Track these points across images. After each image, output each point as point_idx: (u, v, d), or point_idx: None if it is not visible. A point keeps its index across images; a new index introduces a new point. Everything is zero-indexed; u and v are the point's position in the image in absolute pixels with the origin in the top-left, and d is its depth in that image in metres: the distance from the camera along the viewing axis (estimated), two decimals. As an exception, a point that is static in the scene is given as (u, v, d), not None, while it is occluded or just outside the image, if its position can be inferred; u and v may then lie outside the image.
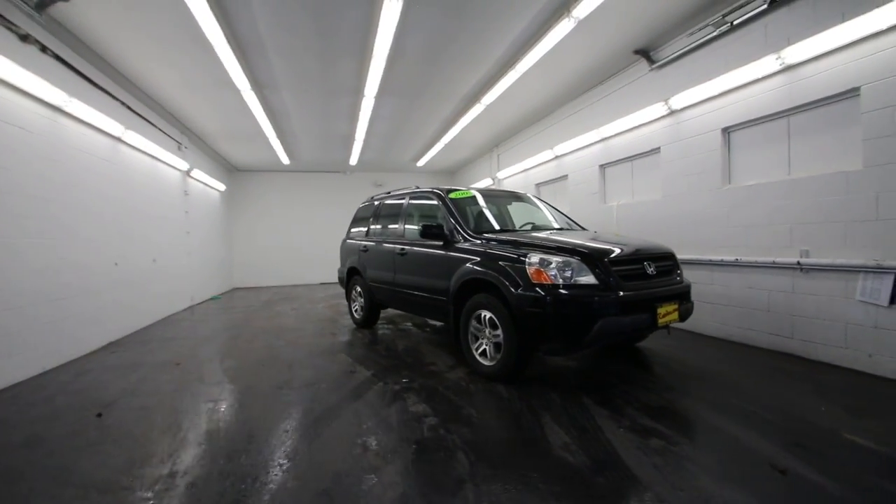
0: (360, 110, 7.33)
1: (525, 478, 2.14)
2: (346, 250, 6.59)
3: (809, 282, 3.95)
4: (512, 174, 9.88)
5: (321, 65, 5.66)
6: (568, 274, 3.20)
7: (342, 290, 10.07)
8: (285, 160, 11.06)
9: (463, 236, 4.08)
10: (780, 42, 4.07)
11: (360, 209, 6.62)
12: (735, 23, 4.43)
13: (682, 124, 5.29)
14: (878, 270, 3.41)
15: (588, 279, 3.19)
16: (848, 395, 3.12)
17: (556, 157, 8.02)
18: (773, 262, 4.18)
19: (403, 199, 5.31)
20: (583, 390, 3.35)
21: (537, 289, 3.20)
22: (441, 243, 4.24)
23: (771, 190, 4.29)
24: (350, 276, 6.31)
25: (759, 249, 4.38)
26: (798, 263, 3.97)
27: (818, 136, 3.92)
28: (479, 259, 3.75)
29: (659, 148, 5.66)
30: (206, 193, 10.17)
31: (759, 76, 4.28)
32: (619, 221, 6.41)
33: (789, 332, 4.13)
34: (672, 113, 5.38)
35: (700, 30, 4.77)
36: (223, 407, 3.20)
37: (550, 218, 4.91)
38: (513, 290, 3.32)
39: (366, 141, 9.37)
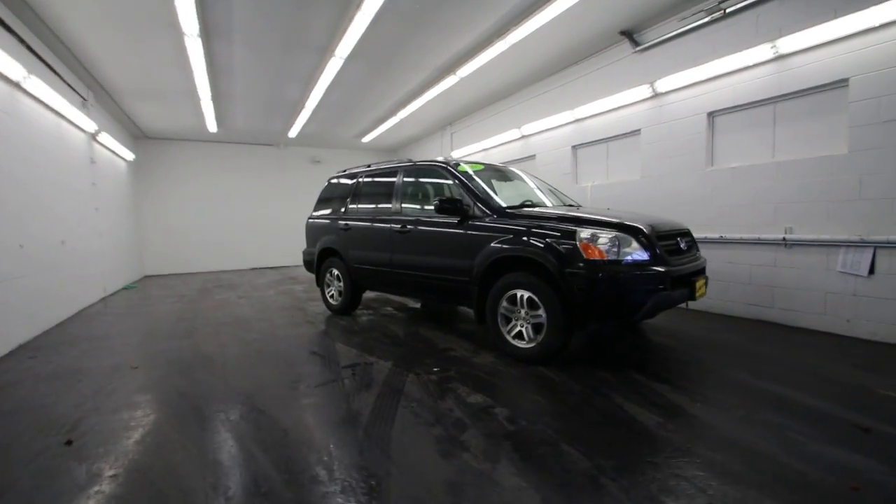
0: (322, 73, 6.54)
1: (663, 466, 2.00)
2: (315, 230, 5.90)
3: (792, 256, 4.35)
4: (469, 154, 9.67)
5: (294, 13, 4.87)
6: (621, 249, 3.11)
7: (285, 276, 9.21)
8: (212, 127, 9.63)
9: (483, 212, 3.79)
10: (772, 33, 4.33)
11: (330, 186, 5.95)
12: (728, 10, 4.63)
13: (665, 107, 5.49)
14: (860, 244, 3.84)
15: (639, 254, 3.13)
16: (848, 356, 3.47)
17: (524, 137, 7.98)
18: (759, 239, 4.54)
19: (396, 173, 4.83)
20: (627, 367, 3.32)
21: (590, 265, 3.07)
22: (457, 220, 3.91)
23: (756, 172, 4.62)
24: (323, 259, 5.67)
25: (743, 227, 4.72)
26: (784, 239, 4.34)
27: (804, 123, 4.27)
28: (511, 236, 3.50)
29: (639, 130, 5.84)
30: (114, 163, 8.50)
31: (749, 64, 4.53)
32: (593, 202, 6.56)
33: (769, 302, 4.53)
34: (655, 96, 5.56)
35: (693, 14, 4.94)
36: (246, 421, 2.60)
37: (541, 194, 4.71)
38: (561, 267, 3.15)
39: (315, 111, 8.48)
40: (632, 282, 3.03)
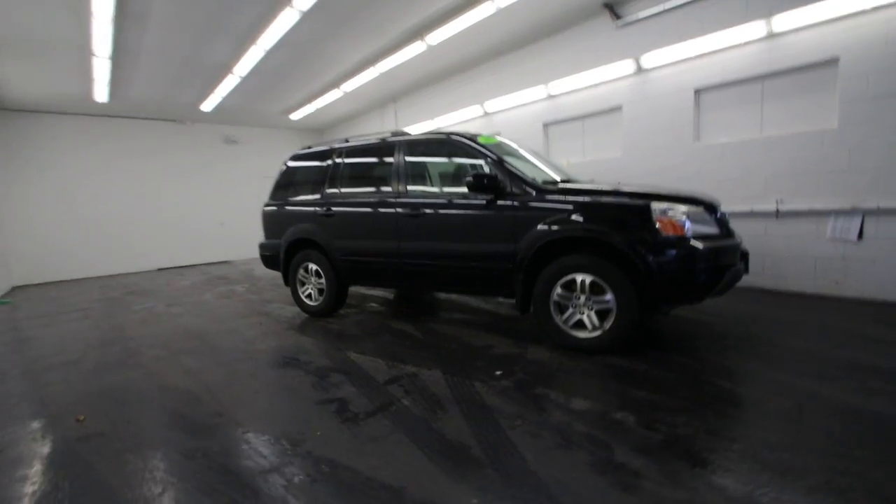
0: (268, 28, 5.43)
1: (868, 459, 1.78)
2: (277, 219, 4.91)
3: (782, 226, 4.60)
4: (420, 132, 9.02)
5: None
6: (700, 225, 2.90)
7: (211, 276, 7.93)
8: (101, 96, 7.66)
9: (523, 190, 3.34)
10: (761, 11, 4.45)
11: (292, 168, 4.99)
12: (719, -15, 4.68)
13: (649, 83, 5.48)
14: (850, 212, 4.14)
15: (711, 228, 2.95)
16: (863, 315, 3.71)
17: (487, 114, 7.59)
18: (751, 211, 4.74)
19: (392, 150, 4.10)
20: (702, 350, 3.15)
21: (669, 241, 2.81)
22: (487, 199, 3.40)
23: (745, 147, 4.79)
24: (293, 252, 4.73)
25: (733, 200, 4.88)
26: (776, 210, 4.56)
27: (794, 99, 4.48)
28: (563, 215, 3.10)
29: (621, 106, 5.80)
30: (-42, 139, 6.33)
31: (739, 42, 4.64)
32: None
33: (760, 269, 4.77)
34: (640, 72, 5.53)
35: (683, -12, 4.92)
36: (324, 482, 1.87)
37: (549, 169, 4.36)
38: (636, 246, 2.84)
39: (246, 79, 7.16)
40: (712, 257, 2.84)
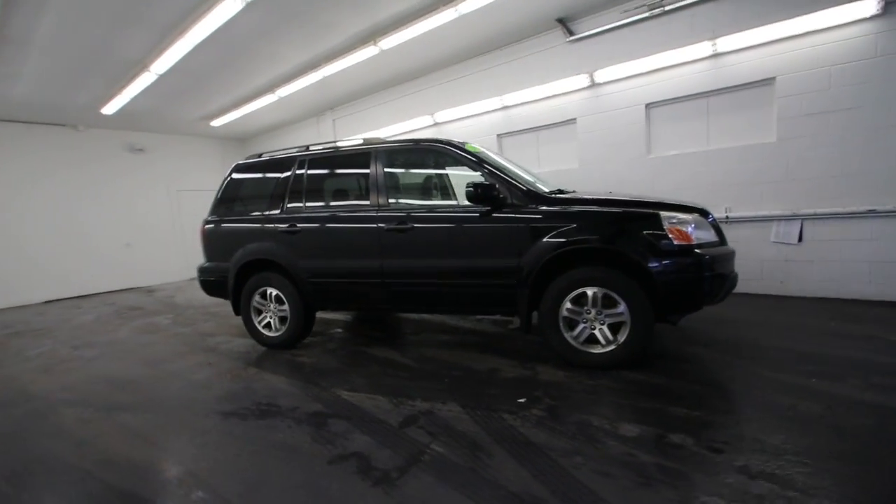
0: (201, 20, 4.71)
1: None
2: (224, 238, 4.23)
3: (731, 231, 4.93)
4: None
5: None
6: (702, 232, 2.93)
7: (119, 306, 6.92)
8: (-35, 93, 6.18)
9: (522, 200, 3.16)
10: (706, 34, 4.81)
11: (238, 180, 4.35)
12: (667, 8, 4.99)
13: (602, 97, 5.68)
14: (791, 218, 4.57)
15: (711, 236, 3.00)
16: (818, 313, 4.06)
17: (437, 124, 7.40)
18: (704, 218, 5.05)
19: (367, 158, 3.70)
20: (701, 357, 3.17)
21: (682, 250, 2.80)
22: (484, 210, 3.18)
23: (693, 158, 5.13)
24: (245, 276, 4.08)
25: (686, 209, 5.20)
26: (726, 217, 4.91)
27: (736, 115, 4.88)
28: (573, 226, 2.97)
29: (575, 119, 5.94)
30: None
31: (686, 60, 4.97)
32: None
33: (713, 274, 5.10)
34: (593, 86, 5.71)
35: (635, 8, 5.17)
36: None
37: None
38: (649, 256, 2.80)
39: (164, 77, 6.20)
40: (719, 264, 2.88)
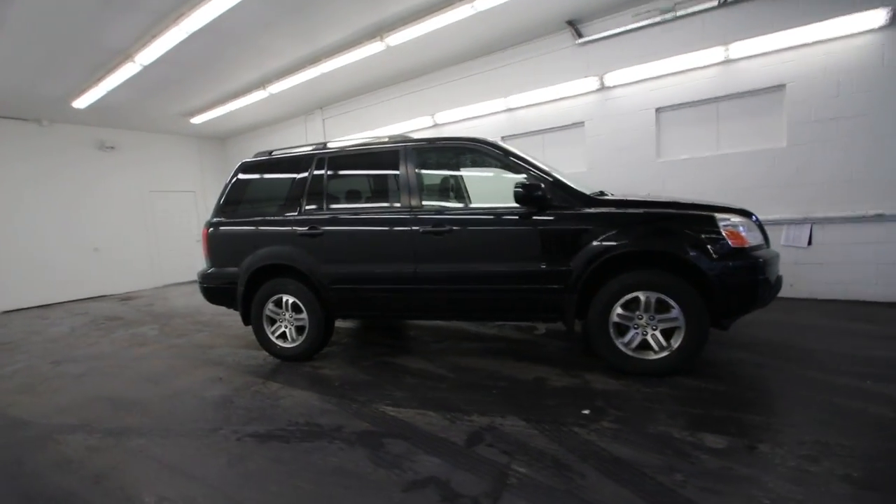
0: (201, 4, 4.37)
1: None
2: (232, 242, 3.91)
3: (741, 235, 5.04)
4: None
5: None
6: (755, 234, 2.90)
7: (95, 316, 6.51)
8: (-85, 80, 5.51)
9: (568, 201, 3.05)
10: (717, 39, 4.89)
11: (244, 180, 4.03)
12: (679, 13, 5.04)
13: (611, 101, 5.69)
14: (801, 221, 4.69)
15: (759, 238, 2.98)
16: (837, 315, 4.15)
17: (437, 125, 7.24)
18: (715, 222, 5.12)
19: (396, 157, 3.49)
20: (746, 361, 3.14)
21: (739, 253, 2.76)
22: (532, 212, 3.05)
23: (703, 163, 5.19)
24: (257, 283, 3.77)
25: (696, 212, 5.25)
26: (738, 221, 4.98)
27: (747, 120, 4.97)
28: (623, 229, 2.89)
29: (583, 122, 5.93)
30: None
31: (697, 65, 5.03)
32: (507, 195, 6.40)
33: (723, 276, 5.17)
34: (602, 89, 5.71)
35: (646, 12, 5.19)
36: None
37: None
38: (707, 259, 2.74)
39: (149, 68, 5.74)
40: (771, 266, 2.85)
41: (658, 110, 5.42)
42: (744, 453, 1.99)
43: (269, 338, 3.81)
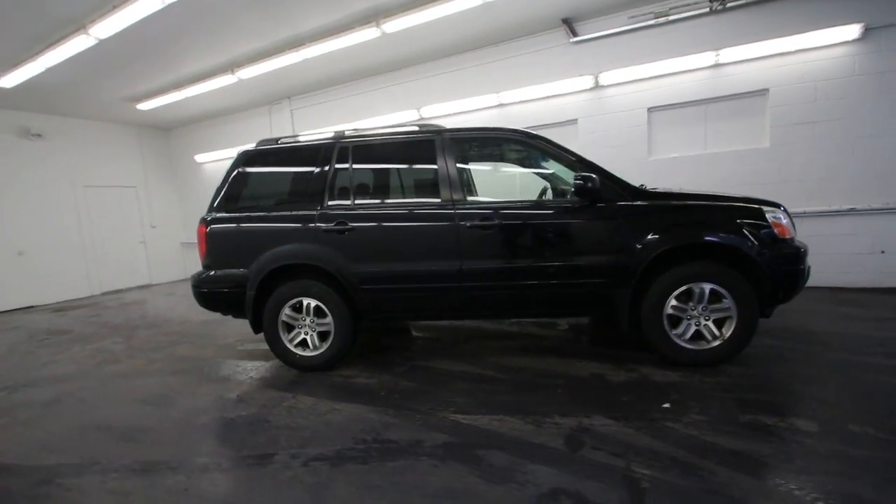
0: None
1: None
2: (242, 240, 3.46)
3: (728, 229, 5.37)
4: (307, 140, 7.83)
5: None
6: (793, 226, 3.04)
7: (34, 330, 6.02)
8: None
9: (618, 193, 3.03)
10: (706, 45, 5.15)
11: (250, 173, 3.59)
12: (672, 18, 5.25)
13: (605, 100, 5.82)
14: (783, 216, 5.07)
15: (793, 230, 3.13)
16: (823, 302, 4.52)
17: (423, 119, 7.00)
18: (705, 217, 5.40)
19: (432, 147, 3.27)
20: (784, 348, 3.29)
21: (785, 245, 2.88)
22: (585, 205, 2.99)
23: (693, 161, 5.46)
24: (271, 285, 3.36)
25: (687, 208, 5.52)
26: (726, 216, 5.29)
27: (732, 121, 5.29)
28: (677, 222, 2.91)
29: (577, 120, 6.01)
30: None
31: (688, 68, 5.28)
32: (521, 188, 6.40)
33: (711, 268, 5.48)
34: (595, 88, 5.82)
35: (642, 15, 5.35)
36: None
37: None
38: (760, 250, 2.82)
39: (104, 43, 4.96)
40: (806, 257, 3.00)
41: (650, 110, 5.63)
42: (843, 434, 2.05)
43: (286, 346, 3.41)
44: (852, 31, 4.50)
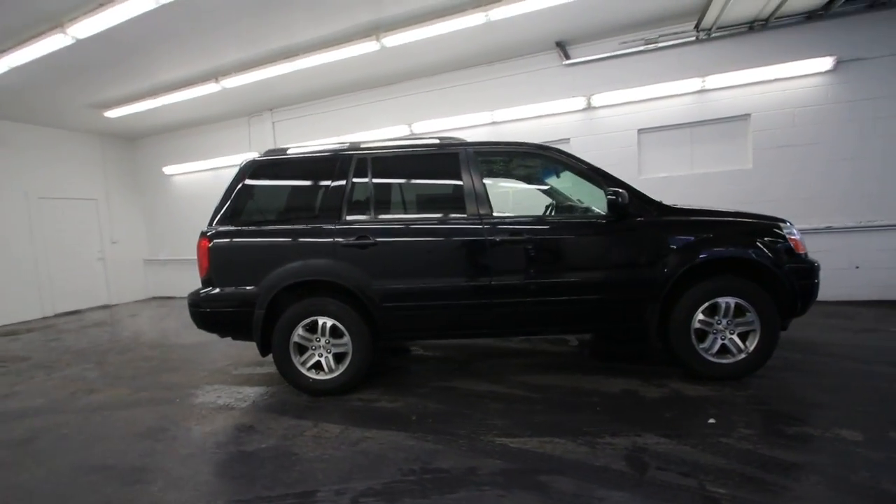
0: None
1: None
2: (253, 255, 3.23)
3: (716, 246, 5.60)
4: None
5: None
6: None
7: None
8: None
9: (644, 208, 3.08)
10: (694, 71, 5.44)
11: (255, 186, 3.38)
12: (661, 44, 5.52)
13: (596, 120, 6.00)
14: (766, 233, 5.35)
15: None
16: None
17: (413, 136, 6.94)
18: (694, 234, 5.62)
19: (458, 159, 3.20)
20: (793, 359, 3.39)
21: (801, 259, 3.00)
22: (613, 220, 3.01)
23: (681, 181, 5.70)
24: (281, 304, 3.14)
25: (677, 225, 5.72)
26: (714, 233, 5.53)
27: (717, 144, 5.58)
28: (704, 236, 2.98)
29: (569, 139, 6.15)
30: None
31: (676, 93, 5.55)
32: (514, 204, 6.44)
33: (700, 283, 5.68)
34: (588, 109, 5.99)
35: (633, 41, 5.60)
36: None
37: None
38: (780, 265, 2.93)
39: (81, 43, 4.61)
40: (819, 272, 3.14)
41: (640, 131, 5.84)
42: (888, 443, 2.10)
43: (298, 370, 3.17)
44: (826, 62, 4.89)
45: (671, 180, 5.72)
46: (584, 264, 3.04)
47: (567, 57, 5.93)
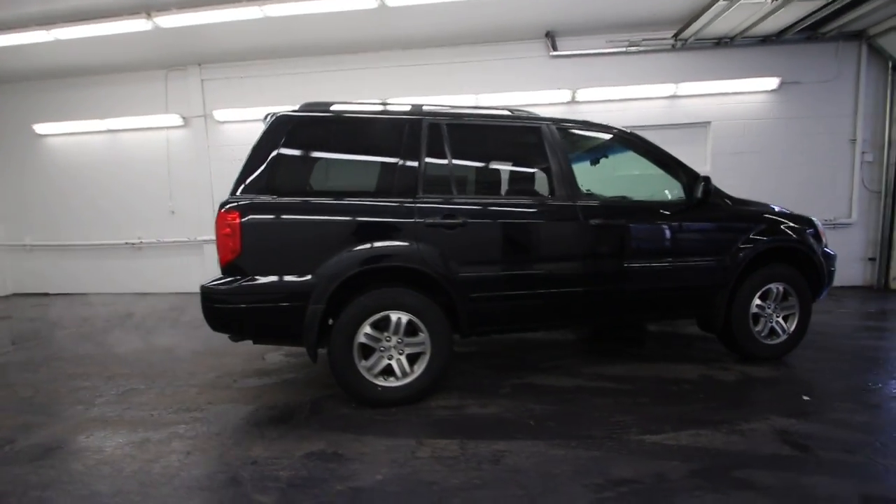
0: None
1: None
2: (301, 234, 2.56)
3: (678, 239, 6.17)
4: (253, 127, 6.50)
5: None
6: (817, 234, 3.60)
7: None
8: None
9: (723, 200, 3.24)
10: (669, 77, 5.90)
11: (291, 155, 2.71)
12: (643, 48, 5.85)
13: (577, 115, 6.07)
14: (719, 228, 6.06)
15: (814, 237, 3.72)
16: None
17: (386, 113, 6.33)
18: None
19: (540, 133, 2.95)
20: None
21: (826, 248, 3.39)
22: (692, 204, 3.07)
23: (649, 180, 6.14)
24: (345, 297, 2.53)
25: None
26: (678, 227, 6.08)
27: (683, 146, 6.07)
28: (763, 226, 3.18)
29: (552, 130, 6.19)
30: None
31: (653, 96, 5.97)
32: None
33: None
34: (571, 103, 6.11)
35: (619, 41, 5.83)
36: None
37: None
38: (818, 252, 3.27)
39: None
40: (836, 260, 3.56)
41: (617, 129, 6.13)
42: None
43: (363, 377, 2.58)
44: (772, 82, 5.69)
45: (642, 179, 6.12)
46: (674, 250, 3.07)
47: (555, 48, 5.96)
